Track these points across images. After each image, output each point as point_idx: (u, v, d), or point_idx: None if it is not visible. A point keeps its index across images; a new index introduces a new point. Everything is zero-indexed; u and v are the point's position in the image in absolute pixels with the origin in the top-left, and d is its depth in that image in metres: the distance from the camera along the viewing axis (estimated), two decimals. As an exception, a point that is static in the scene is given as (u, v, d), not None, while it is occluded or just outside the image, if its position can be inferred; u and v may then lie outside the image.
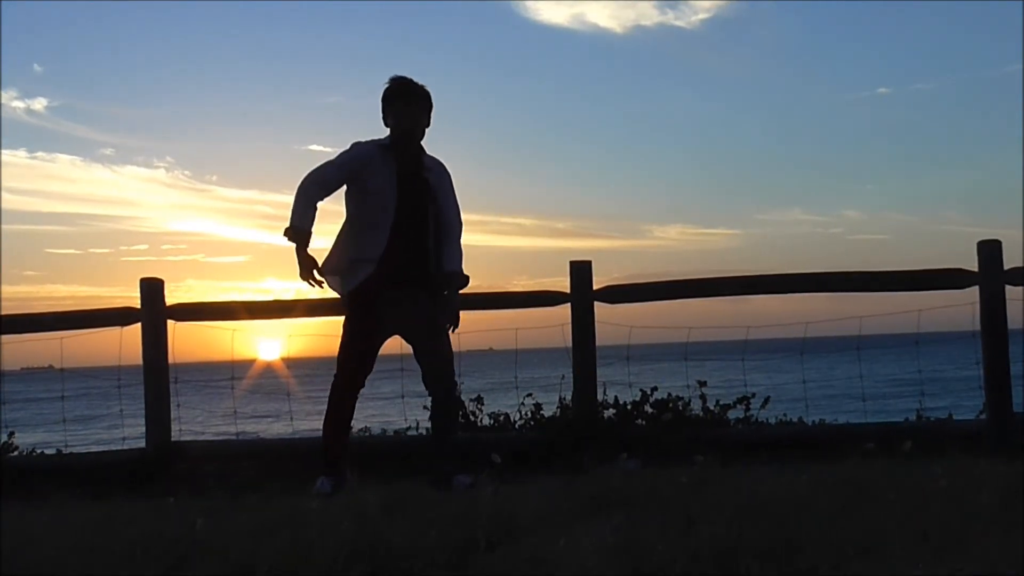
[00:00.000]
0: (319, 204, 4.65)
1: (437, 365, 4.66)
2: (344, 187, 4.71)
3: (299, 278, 4.61)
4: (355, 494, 3.85)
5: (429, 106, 4.77)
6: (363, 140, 4.76)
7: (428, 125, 4.80)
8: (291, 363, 7.23)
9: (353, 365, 4.70)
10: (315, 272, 4.60)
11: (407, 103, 4.70)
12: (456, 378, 4.77)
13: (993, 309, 5.58)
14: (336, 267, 4.71)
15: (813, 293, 6.13)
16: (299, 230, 4.56)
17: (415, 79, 4.77)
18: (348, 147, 4.73)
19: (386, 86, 4.73)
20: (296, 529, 3.02)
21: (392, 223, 4.61)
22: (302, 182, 4.63)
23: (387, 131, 4.76)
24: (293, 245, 4.57)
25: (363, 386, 4.77)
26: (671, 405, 5.97)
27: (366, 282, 4.62)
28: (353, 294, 4.68)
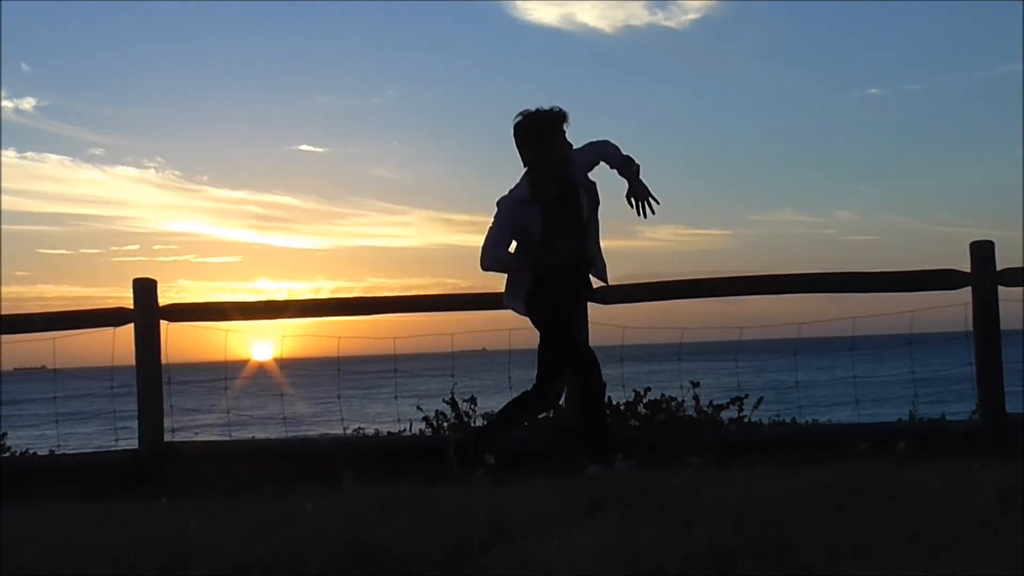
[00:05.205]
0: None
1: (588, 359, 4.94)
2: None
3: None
4: (350, 495, 3.84)
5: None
6: (500, 199, 4.85)
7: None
8: (284, 364, 7.21)
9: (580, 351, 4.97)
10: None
11: (563, 132, 4.78)
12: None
13: (986, 310, 5.60)
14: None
15: (806, 294, 6.15)
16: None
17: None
18: (497, 210, 4.84)
19: (539, 115, 4.74)
20: (290, 530, 3.01)
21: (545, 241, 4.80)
22: (483, 259, 4.87)
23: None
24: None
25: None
26: (665, 406, 5.97)
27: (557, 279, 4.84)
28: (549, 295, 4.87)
